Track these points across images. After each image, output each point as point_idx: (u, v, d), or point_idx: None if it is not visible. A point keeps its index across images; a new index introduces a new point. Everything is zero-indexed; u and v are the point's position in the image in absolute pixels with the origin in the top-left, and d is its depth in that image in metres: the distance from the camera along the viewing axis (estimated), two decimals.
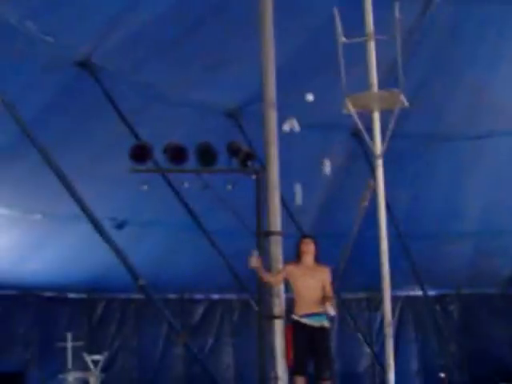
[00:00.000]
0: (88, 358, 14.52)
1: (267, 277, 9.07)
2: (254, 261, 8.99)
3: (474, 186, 17.48)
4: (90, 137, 13.46)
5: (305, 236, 9.31)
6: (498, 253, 18.75)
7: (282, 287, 9.19)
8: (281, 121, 11.13)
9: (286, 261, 9.56)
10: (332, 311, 8.59)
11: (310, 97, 10.94)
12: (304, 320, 8.60)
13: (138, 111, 13.46)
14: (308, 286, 8.66)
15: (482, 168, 17.31)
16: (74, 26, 11.90)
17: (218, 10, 12.84)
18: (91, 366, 14.46)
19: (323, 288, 8.70)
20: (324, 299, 8.62)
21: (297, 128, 11.17)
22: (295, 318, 8.71)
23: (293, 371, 8.83)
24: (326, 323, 8.65)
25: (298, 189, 11.04)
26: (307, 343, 8.60)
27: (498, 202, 17.66)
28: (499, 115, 16.60)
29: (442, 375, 19.24)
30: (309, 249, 8.86)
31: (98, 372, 14.37)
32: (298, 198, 10.99)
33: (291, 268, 8.91)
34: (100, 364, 14.53)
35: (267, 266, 11.35)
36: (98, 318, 17.39)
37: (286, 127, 11.05)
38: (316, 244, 8.91)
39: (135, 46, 12.76)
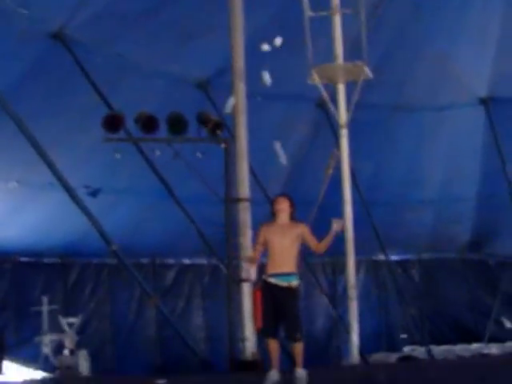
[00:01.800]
0: (63, 321, 14.77)
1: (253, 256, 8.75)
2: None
3: (434, 155, 17.90)
4: (64, 107, 13.60)
5: (278, 195, 8.82)
6: (457, 219, 19.25)
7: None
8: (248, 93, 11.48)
9: (254, 227, 9.75)
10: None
11: (278, 41, 11.14)
12: (271, 279, 8.31)
13: (110, 82, 13.61)
14: (280, 245, 8.30)
15: (443, 138, 17.74)
16: None
17: None
18: (66, 328, 14.73)
19: (301, 244, 8.36)
20: (317, 246, 8.32)
21: (268, 81, 11.40)
22: (264, 277, 8.43)
23: (262, 334, 8.57)
24: (295, 283, 8.34)
25: (279, 147, 11.08)
26: (274, 304, 8.28)
27: (457, 171, 18.13)
28: (460, 87, 17.02)
29: (403, 336, 19.87)
30: (282, 207, 8.43)
31: (73, 334, 14.68)
32: (282, 158, 11.13)
33: (265, 229, 8.49)
34: (75, 326, 14.78)
35: (235, 231, 11.80)
36: (72, 282, 17.54)
37: (278, 42, 11.12)
38: (291, 202, 8.50)
39: (108, 18, 12.95)
